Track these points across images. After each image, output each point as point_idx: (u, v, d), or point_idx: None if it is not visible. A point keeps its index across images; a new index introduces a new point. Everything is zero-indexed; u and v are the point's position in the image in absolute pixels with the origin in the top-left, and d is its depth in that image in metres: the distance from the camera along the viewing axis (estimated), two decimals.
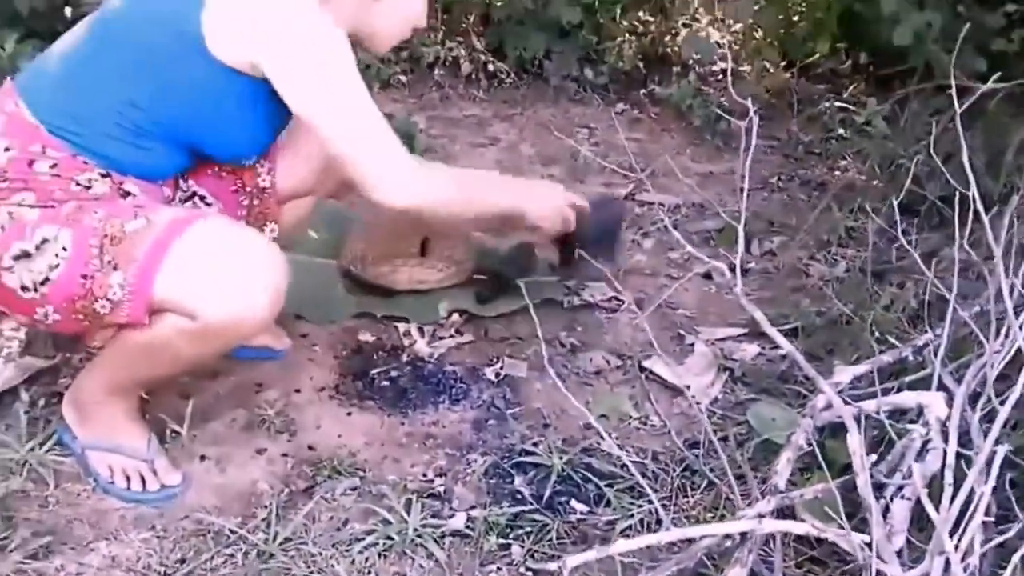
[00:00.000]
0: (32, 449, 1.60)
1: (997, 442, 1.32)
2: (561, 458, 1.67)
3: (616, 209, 2.16)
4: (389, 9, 1.61)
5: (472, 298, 2.12)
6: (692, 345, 2.04)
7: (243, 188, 1.70)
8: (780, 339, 1.63)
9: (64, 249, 1.41)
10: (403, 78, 3.43)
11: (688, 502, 1.61)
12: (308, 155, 1.75)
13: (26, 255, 1.42)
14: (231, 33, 1.42)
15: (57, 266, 1.41)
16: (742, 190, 1.74)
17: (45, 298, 1.43)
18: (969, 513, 1.23)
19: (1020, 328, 1.45)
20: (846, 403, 1.52)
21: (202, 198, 1.66)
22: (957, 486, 1.27)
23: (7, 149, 1.45)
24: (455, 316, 2.09)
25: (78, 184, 1.46)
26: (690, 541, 1.37)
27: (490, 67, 3.50)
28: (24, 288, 1.43)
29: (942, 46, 2.75)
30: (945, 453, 1.37)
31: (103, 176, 1.48)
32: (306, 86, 1.46)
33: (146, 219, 1.43)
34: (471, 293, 2.14)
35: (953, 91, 1.64)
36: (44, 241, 1.41)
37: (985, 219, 1.58)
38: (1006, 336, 1.48)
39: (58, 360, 1.82)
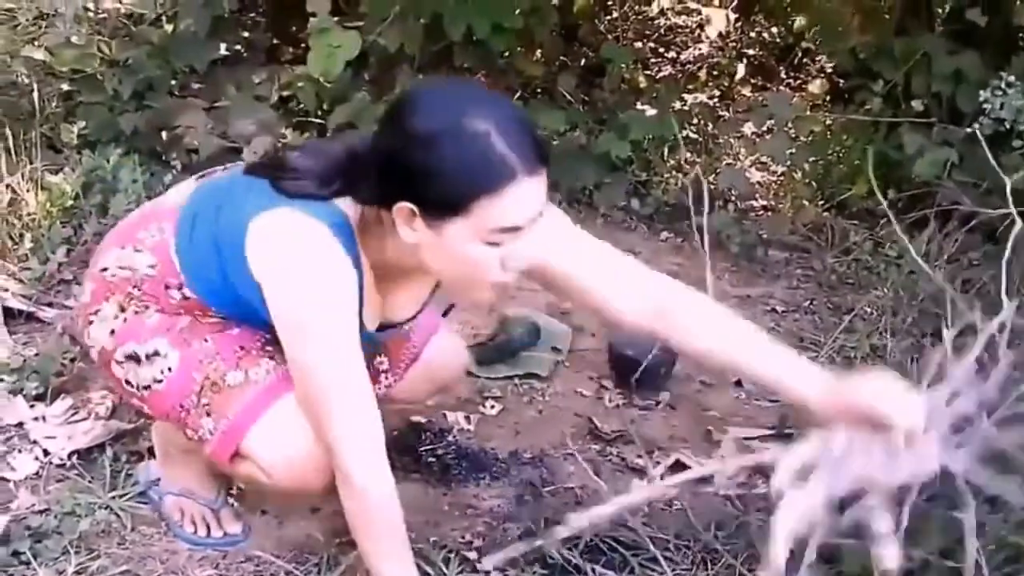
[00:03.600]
0: (114, 497, 1.79)
1: None
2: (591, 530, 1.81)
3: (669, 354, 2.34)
4: (440, 257, 1.39)
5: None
6: (720, 442, 2.18)
7: None
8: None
9: (170, 369, 1.52)
10: None
11: (707, 574, 1.72)
12: (434, 380, 1.85)
13: (136, 359, 1.54)
14: (252, 257, 1.42)
15: (161, 382, 1.53)
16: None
17: (144, 400, 1.57)
18: None
19: None
20: None
21: None
22: None
23: (152, 266, 1.53)
24: (500, 407, 2.27)
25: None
26: None
27: None
28: (128, 383, 1.57)
29: (970, 185, 2.95)
30: None
31: (224, 319, 1.56)
32: (286, 342, 1.45)
33: (244, 374, 1.51)
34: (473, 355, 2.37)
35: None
36: (155, 353, 1.53)
37: (981, 335, 1.77)
38: None
39: (140, 424, 2.02)
